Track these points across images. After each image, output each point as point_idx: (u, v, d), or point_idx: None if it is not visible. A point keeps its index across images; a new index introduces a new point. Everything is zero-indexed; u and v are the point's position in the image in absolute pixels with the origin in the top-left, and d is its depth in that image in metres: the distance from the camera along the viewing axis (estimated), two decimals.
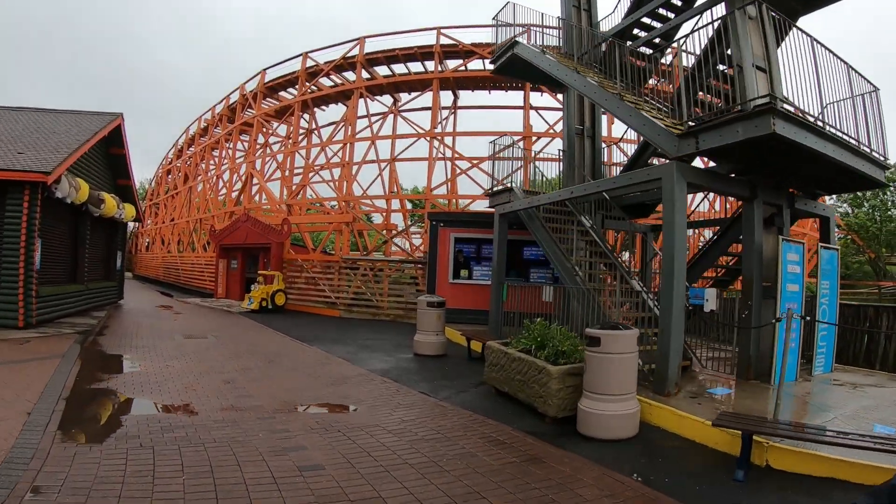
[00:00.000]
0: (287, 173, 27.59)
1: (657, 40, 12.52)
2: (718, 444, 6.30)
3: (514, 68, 14.38)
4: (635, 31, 12.74)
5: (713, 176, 9.98)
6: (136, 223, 32.50)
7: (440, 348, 12.47)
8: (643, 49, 12.31)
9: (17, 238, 13.15)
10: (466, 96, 28.32)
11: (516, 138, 17.82)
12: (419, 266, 21.28)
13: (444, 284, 17.45)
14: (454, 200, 24.71)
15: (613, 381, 6.78)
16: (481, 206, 23.63)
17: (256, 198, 29.75)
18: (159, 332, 14.39)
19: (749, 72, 8.66)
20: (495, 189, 14.93)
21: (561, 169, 14.42)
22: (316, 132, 30.25)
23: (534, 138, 23.87)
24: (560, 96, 24.03)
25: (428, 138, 23.98)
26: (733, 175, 9.99)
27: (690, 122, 8.80)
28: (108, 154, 19.76)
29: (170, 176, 46.29)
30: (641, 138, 12.47)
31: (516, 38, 13.70)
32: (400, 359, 11.97)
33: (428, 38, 25.16)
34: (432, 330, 12.54)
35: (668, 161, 8.82)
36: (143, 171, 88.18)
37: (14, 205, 13.30)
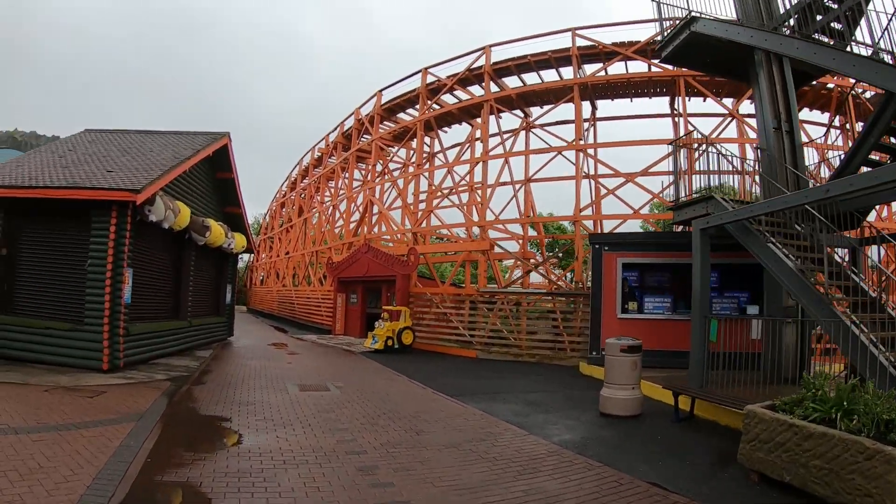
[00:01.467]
0: (411, 198, 24.95)
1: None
2: None
3: (689, 53, 11.79)
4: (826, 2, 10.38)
5: None
6: (250, 255, 30.93)
7: (636, 406, 9.30)
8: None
9: (103, 267, 10.91)
10: (605, 106, 24.77)
11: (692, 137, 14.24)
12: (560, 298, 17.89)
13: (611, 320, 13.97)
14: (599, 222, 21.03)
15: None
16: (629, 227, 20.50)
17: (376, 228, 27.32)
18: (270, 379, 11.63)
19: None
20: (684, 200, 11.49)
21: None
22: (441, 154, 27.58)
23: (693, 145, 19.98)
24: (724, 100, 20.59)
25: (573, 152, 20.55)
26: None
27: None
28: (214, 179, 17.78)
29: (284, 209, 45.35)
30: (864, 127, 10.62)
31: (693, 13, 11.05)
32: (587, 422, 8.72)
33: (561, 42, 21.99)
34: (627, 382, 9.29)
35: None
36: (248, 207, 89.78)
37: (100, 229, 11.14)
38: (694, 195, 11.47)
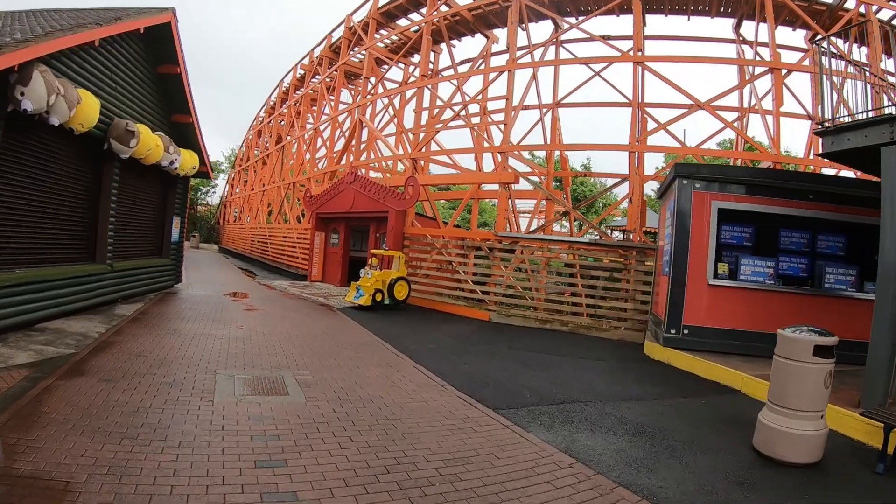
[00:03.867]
0: (409, 122, 20.38)
1: None
2: None
3: None
4: None
5: None
6: (224, 188, 26.24)
7: (821, 446, 5.32)
8: None
9: None
10: (655, 23, 20.19)
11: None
12: (605, 248, 13.84)
13: (699, 287, 9.90)
14: (640, 156, 16.57)
15: None
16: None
17: (364, 156, 22.71)
18: (197, 362, 7.28)
19: None
20: (850, 120, 7.45)
21: None
22: (451, 70, 22.75)
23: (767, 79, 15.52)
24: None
25: (624, 68, 15.96)
26: None
27: None
28: (155, 76, 13.02)
29: (262, 138, 40.48)
30: None
31: None
32: (758, 483, 4.73)
33: None
34: (814, 409, 5.27)
35: None
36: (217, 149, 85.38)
37: None
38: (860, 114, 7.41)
